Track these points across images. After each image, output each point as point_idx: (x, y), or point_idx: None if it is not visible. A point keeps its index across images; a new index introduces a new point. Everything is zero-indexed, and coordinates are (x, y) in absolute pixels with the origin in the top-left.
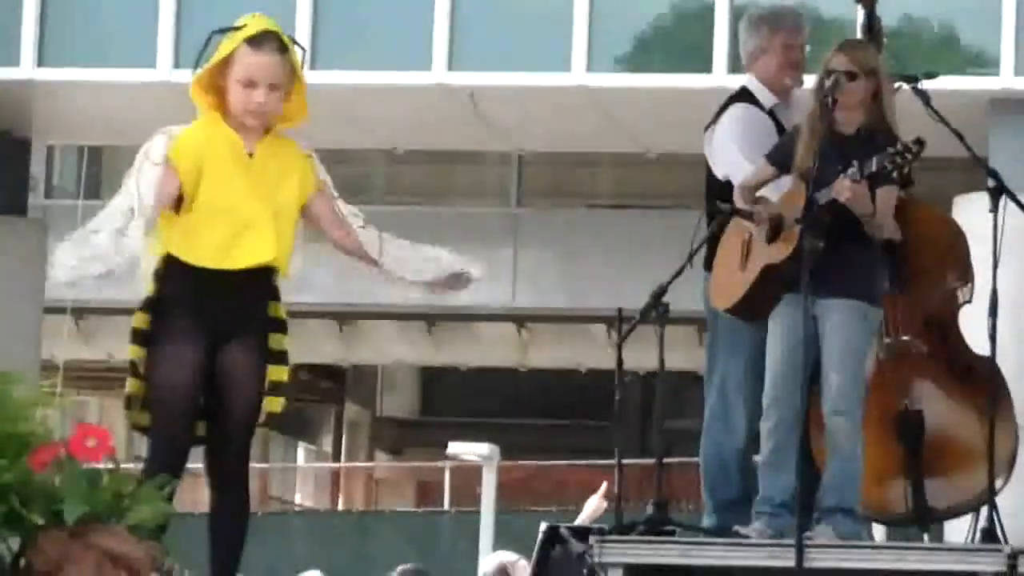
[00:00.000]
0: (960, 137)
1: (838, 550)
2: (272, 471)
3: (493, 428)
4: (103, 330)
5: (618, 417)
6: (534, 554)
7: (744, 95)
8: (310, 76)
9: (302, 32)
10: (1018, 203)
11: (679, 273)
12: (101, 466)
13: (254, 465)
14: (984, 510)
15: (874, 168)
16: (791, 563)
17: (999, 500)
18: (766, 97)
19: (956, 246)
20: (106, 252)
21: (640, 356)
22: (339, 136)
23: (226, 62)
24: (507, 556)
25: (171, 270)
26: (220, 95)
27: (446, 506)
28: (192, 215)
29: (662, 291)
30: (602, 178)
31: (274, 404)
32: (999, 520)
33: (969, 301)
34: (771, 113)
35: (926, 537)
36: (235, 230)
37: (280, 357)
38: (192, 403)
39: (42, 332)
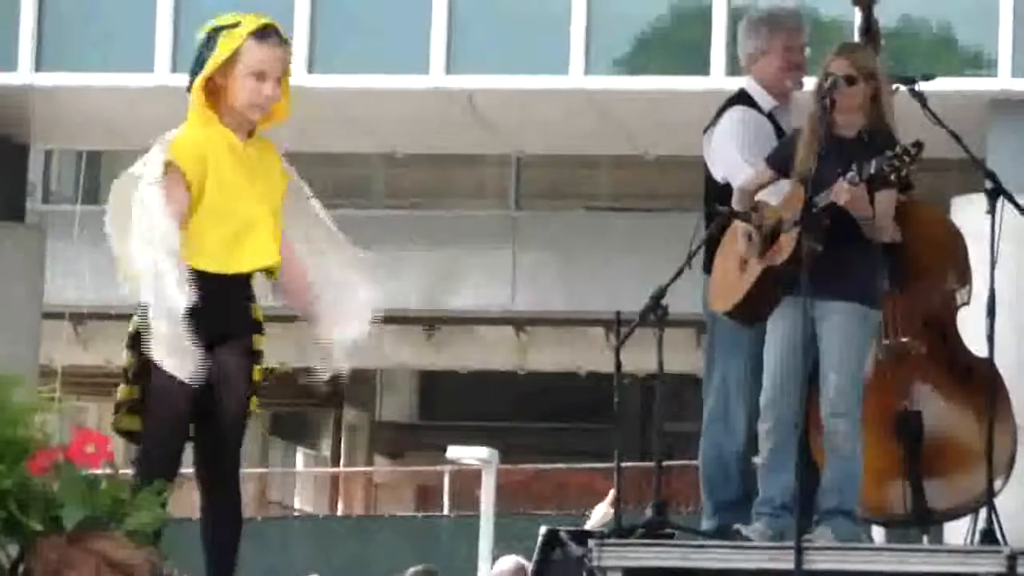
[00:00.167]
0: (957, 139)
1: (838, 552)
2: (271, 475)
3: (492, 431)
4: (102, 335)
5: (617, 420)
6: (534, 557)
7: (743, 97)
8: (308, 80)
9: (300, 35)
10: (1016, 204)
11: (678, 275)
12: (99, 472)
13: (253, 470)
14: (983, 511)
15: (873, 171)
16: (791, 565)
17: (998, 501)
18: (765, 100)
19: (955, 248)
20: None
21: (639, 359)
22: (337, 139)
23: (231, 58)
24: (523, 559)
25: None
26: (213, 95)
27: (446, 510)
28: (196, 217)
29: (661, 293)
30: (600, 180)
31: (253, 404)
32: (998, 521)
33: (967, 303)
34: (770, 116)
35: (925, 539)
36: (237, 232)
37: (258, 357)
38: (190, 408)
39: (41, 337)
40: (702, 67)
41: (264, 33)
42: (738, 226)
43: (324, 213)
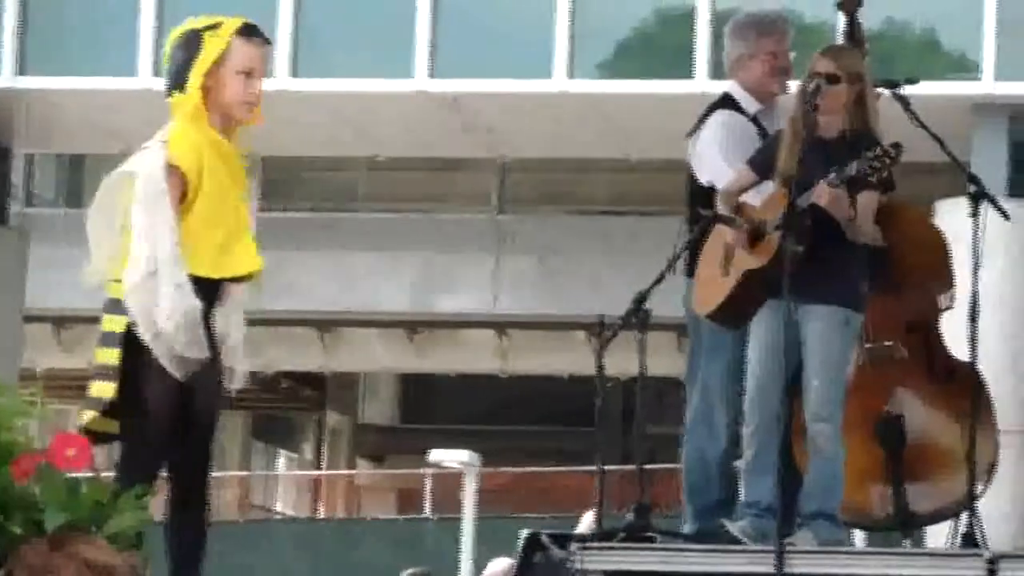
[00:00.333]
0: (940, 142)
1: (819, 555)
2: (253, 479)
3: (474, 435)
4: (84, 339)
5: (600, 423)
6: (516, 561)
7: (727, 101)
8: (293, 84)
9: (284, 40)
10: (998, 208)
11: (660, 279)
12: (81, 475)
13: (235, 473)
14: (965, 515)
15: (853, 173)
16: (772, 569)
17: (980, 505)
18: (749, 103)
19: (939, 251)
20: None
21: (622, 362)
22: (322, 143)
23: (217, 58)
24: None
25: None
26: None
27: (428, 513)
28: (190, 220)
29: (643, 297)
30: (584, 184)
31: None
32: (980, 525)
33: (951, 306)
34: (755, 119)
35: (907, 542)
36: (227, 236)
37: None
38: (177, 412)
39: (23, 341)
40: (686, 71)
41: (249, 31)
42: (724, 230)
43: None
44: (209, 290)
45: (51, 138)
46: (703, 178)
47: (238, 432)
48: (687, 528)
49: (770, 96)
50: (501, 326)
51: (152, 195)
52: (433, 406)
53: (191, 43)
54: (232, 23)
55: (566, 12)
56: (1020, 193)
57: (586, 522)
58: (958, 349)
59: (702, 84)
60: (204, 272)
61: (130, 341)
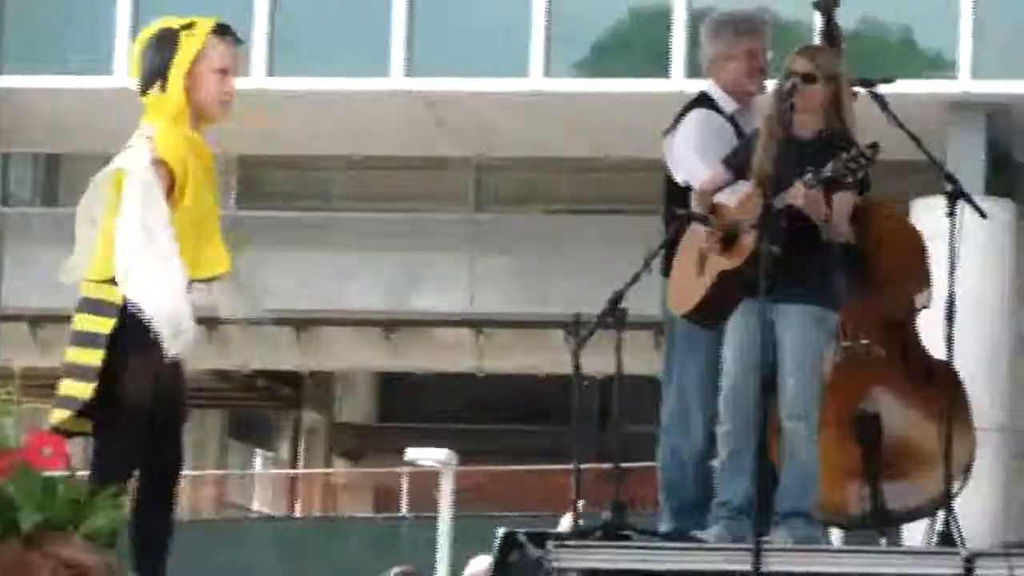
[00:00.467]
0: (917, 141)
1: (795, 554)
2: (230, 477)
3: (451, 433)
4: (60, 338)
5: (576, 422)
6: (492, 559)
7: (704, 101)
8: (268, 83)
9: (259, 39)
10: (975, 207)
11: (636, 278)
12: (56, 474)
13: (212, 472)
14: (941, 513)
15: (829, 173)
16: (748, 567)
17: (956, 503)
18: (726, 103)
19: (915, 250)
20: None
21: (598, 361)
22: (297, 143)
23: (197, 56)
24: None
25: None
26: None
27: (404, 511)
28: (176, 218)
29: (619, 296)
30: (560, 183)
31: None
32: (956, 523)
33: (927, 306)
34: (731, 119)
35: (883, 540)
36: (201, 236)
37: None
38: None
39: None
40: (662, 70)
41: (224, 30)
42: (700, 229)
43: None
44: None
45: (27, 137)
46: (679, 177)
47: (215, 431)
48: (664, 526)
49: (747, 96)
50: (477, 325)
51: (146, 191)
52: (410, 405)
53: (167, 42)
54: (206, 22)
55: (542, 11)
56: (997, 192)
57: (567, 523)
58: (935, 348)
59: (678, 83)
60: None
61: (113, 342)
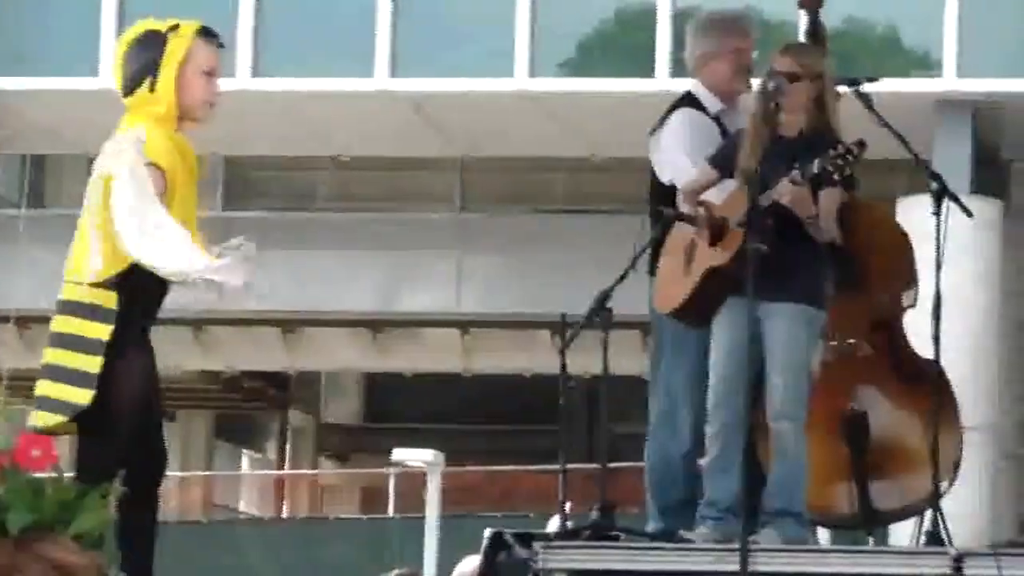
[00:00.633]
0: (903, 140)
1: (784, 554)
2: (217, 478)
3: (438, 434)
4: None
5: (563, 422)
6: (479, 560)
7: (689, 100)
8: (253, 83)
9: (244, 40)
10: (961, 205)
11: (623, 278)
12: (45, 475)
13: (199, 473)
14: (929, 513)
15: (815, 170)
16: (737, 567)
17: (944, 503)
18: (712, 102)
19: (902, 249)
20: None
21: (585, 361)
22: (283, 143)
23: (185, 58)
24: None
25: (137, 280)
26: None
27: (391, 512)
28: None
29: (606, 296)
30: (546, 182)
31: None
32: (944, 522)
33: (913, 305)
34: (716, 118)
35: (871, 540)
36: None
37: None
38: None
39: None
40: (647, 69)
41: (208, 32)
42: (686, 229)
43: None
44: (162, 293)
45: (13, 139)
46: (664, 177)
47: (202, 432)
48: (651, 527)
49: (733, 95)
50: (464, 325)
51: (143, 192)
52: (396, 405)
53: (154, 43)
54: (191, 25)
55: (527, 11)
56: (983, 190)
57: (555, 524)
58: (922, 347)
59: (663, 83)
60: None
61: (108, 346)
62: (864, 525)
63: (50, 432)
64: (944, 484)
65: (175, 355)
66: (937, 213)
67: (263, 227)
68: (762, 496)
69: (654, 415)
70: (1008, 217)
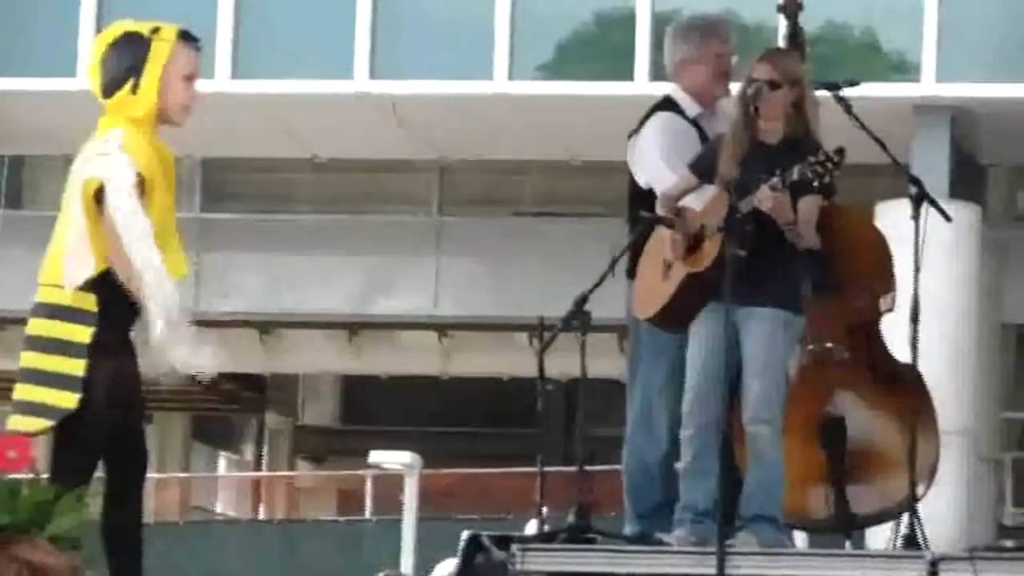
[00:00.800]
0: (882, 145)
1: (760, 557)
2: (194, 480)
3: (415, 436)
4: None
5: (541, 425)
6: (456, 562)
7: (668, 104)
8: (232, 85)
9: (223, 41)
10: (940, 210)
11: (601, 281)
12: (21, 477)
13: (176, 474)
14: (906, 516)
15: (795, 177)
16: (713, 570)
17: (921, 507)
18: (690, 106)
19: (880, 253)
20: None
21: (563, 364)
22: (261, 145)
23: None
24: None
25: (116, 282)
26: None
27: (368, 514)
28: None
29: (584, 299)
30: (525, 186)
31: None
32: (921, 526)
33: (891, 309)
34: (695, 122)
35: (848, 544)
36: (165, 241)
37: None
38: None
39: None
40: (627, 73)
41: (189, 36)
42: (665, 233)
43: None
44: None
45: None
46: (642, 180)
47: (178, 433)
48: (628, 530)
49: (712, 99)
50: (442, 328)
51: (128, 203)
52: (374, 408)
53: (137, 45)
54: (171, 28)
55: (506, 14)
56: (961, 195)
57: (533, 527)
58: (899, 351)
59: (643, 86)
60: None
61: (90, 349)
62: (841, 529)
63: (26, 431)
64: (921, 488)
65: (151, 356)
66: (916, 217)
67: (240, 229)
68: (739, 500)
69: (631, 418)
70: (986, 221)
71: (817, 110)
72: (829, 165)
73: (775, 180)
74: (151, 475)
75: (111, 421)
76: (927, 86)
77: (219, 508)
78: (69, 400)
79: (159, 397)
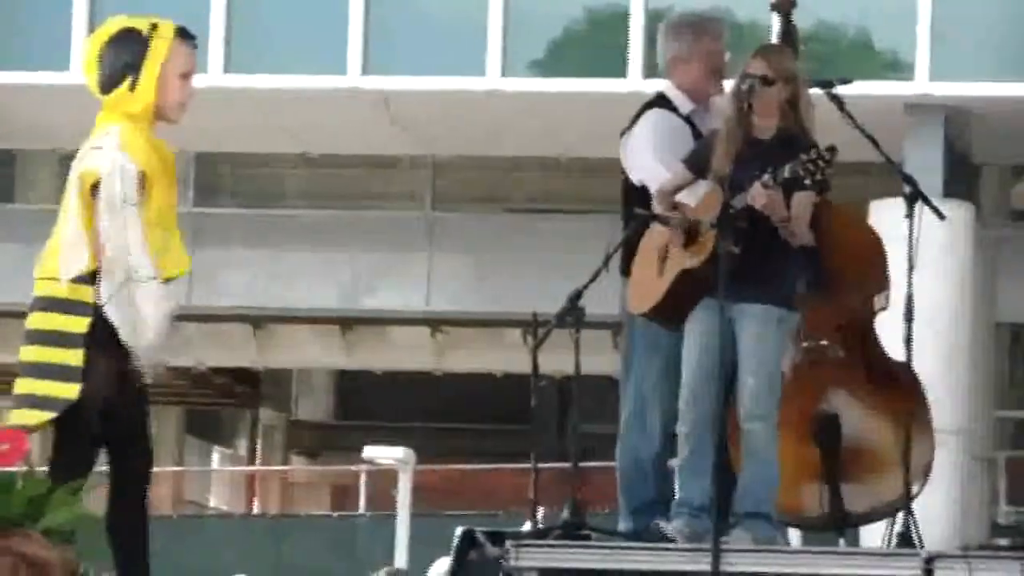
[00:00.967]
0: (875, 143)
1: (755, 554)
2: (187, 474)
3: (409, 432)
4: (14, 333)
5: (535, 421)
6: (450, 558)
7: (661, 101)
8: (224, 80)
9: (216, 37)
10: (933, 208)
11: (595, 278)
12: (15, 470)
13: (169, 468)
14: (900, 515)
15: (788, 174)
16: (708, 567)
17: (916, 505)
18: (683, 103)
19: (874, 252)
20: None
21: (556, 360)
22: (253, 141)
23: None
24: None
25: None
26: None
27: (362, 510)
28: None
29: (578, 295)
30: (518, 182)
31: None
32: (915, 524)
33: (886, 307)
34: (688, 119)
35: (842, 541)
36: (166, 237)
37: None
38: None
39: None
40: (620, 70)
41: (186, 34)
42: (659, 229)
43: None
44: None
45: None
46: (634, 177)
47: (172, 427)
48: (622, 526)
49: (706, 96)
50: (435, 324)
51: (121, 199)
52: (367, 403)
53: (136, 42)
54: (169, 25)
55: (499, 10)
56: (955, 193)
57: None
58: (894, 349)
59: (636, 83)
60: None
61: (86, 340)
62: (835, 527)
63: (33, 429)
64: (916, 486)
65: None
66: (909, 216)
67: (234, 224)
68: (733, 497)
69: (625, 415)
70: (979, 220)
71: (812, 108)
72: (821, 162)
73: (767, 177)
74: None
75: (109, 411)
76: (920, 85)
77: (212, 502)
78: (69, 391)
79: (152, 391)
